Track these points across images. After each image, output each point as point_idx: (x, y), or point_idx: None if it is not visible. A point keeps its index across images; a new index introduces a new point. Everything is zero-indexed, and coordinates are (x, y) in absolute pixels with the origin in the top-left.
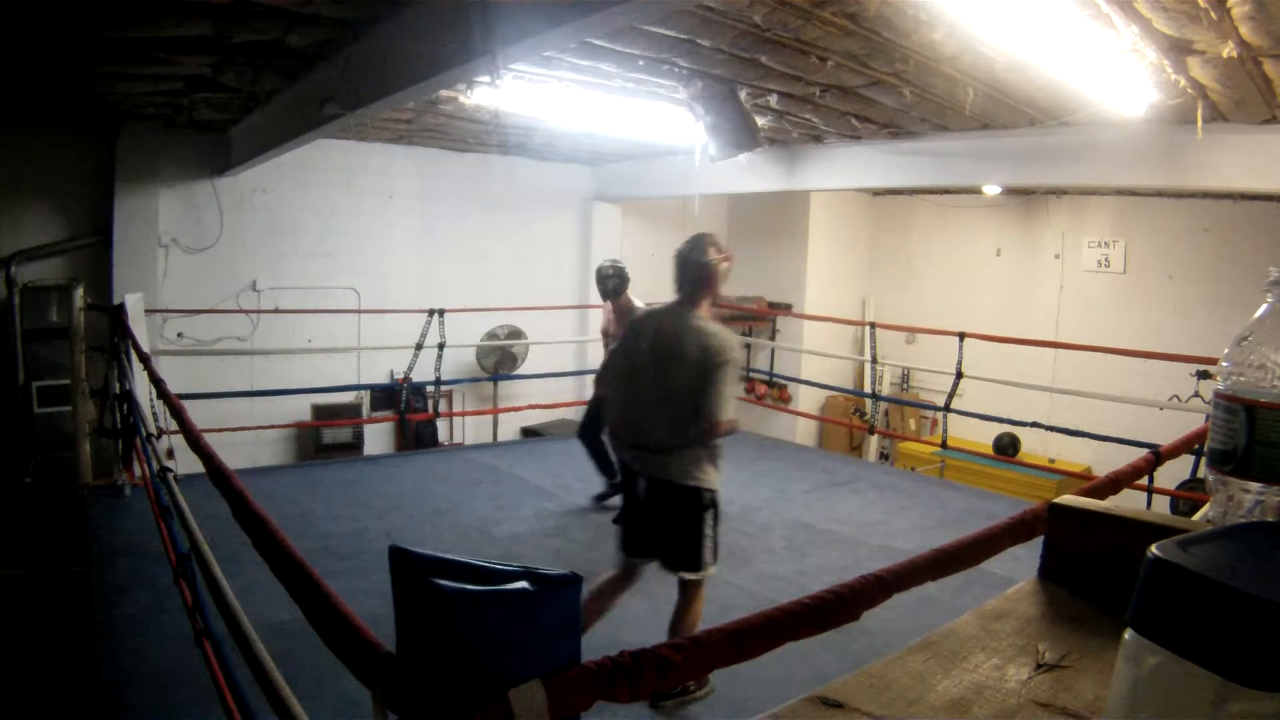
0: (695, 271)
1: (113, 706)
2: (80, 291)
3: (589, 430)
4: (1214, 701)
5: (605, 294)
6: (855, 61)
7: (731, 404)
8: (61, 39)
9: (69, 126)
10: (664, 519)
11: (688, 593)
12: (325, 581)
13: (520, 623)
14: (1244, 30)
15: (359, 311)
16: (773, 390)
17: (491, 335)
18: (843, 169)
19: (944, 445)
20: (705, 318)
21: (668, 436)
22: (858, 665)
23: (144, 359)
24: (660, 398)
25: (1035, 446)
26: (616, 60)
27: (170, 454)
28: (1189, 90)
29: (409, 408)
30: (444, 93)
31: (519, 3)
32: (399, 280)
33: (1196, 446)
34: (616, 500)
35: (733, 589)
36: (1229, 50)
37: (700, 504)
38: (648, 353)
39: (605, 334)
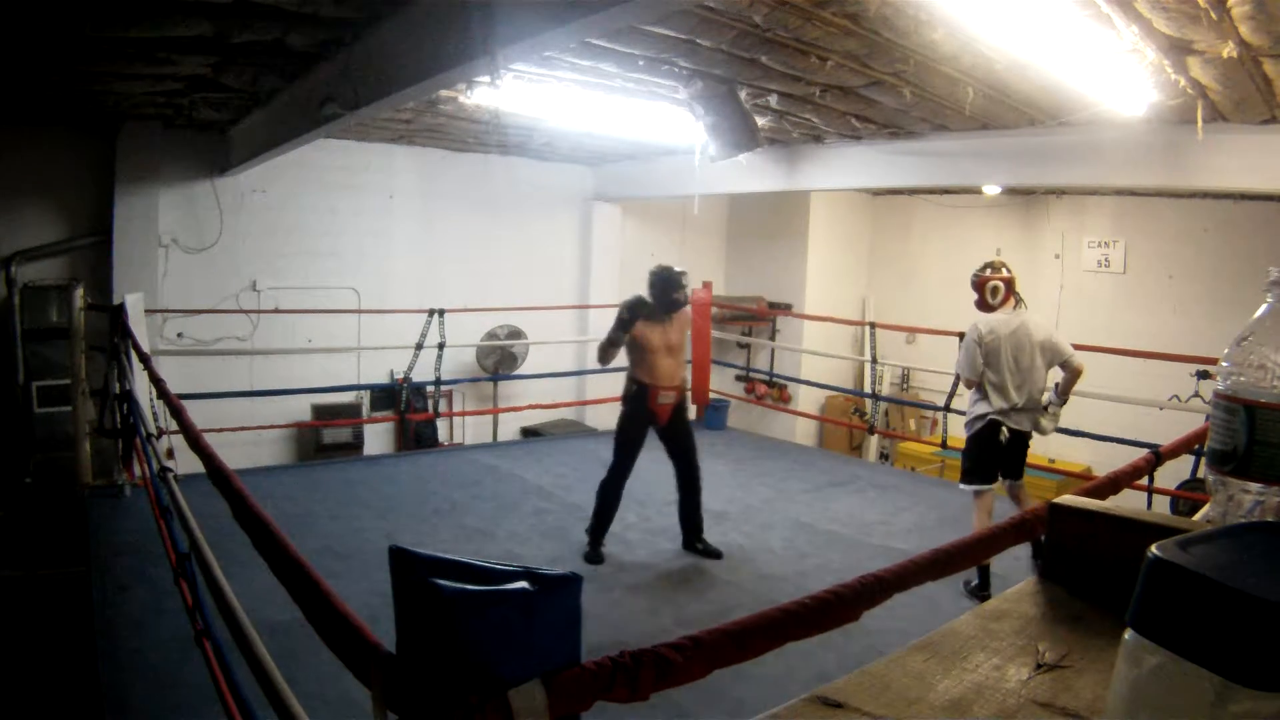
0: None
1: (113, 706)
2: (80, 291)
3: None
4: (1214, 701)
5: (679, 304)
6: (855, 61)
7: None
8: (61, 39)
9: (69, 126)
10: None
11: None
12: (325, 581)
13: (520, 623)
14: (1244, 30)
15: (359, 311)
16: (773, 390)
17: (491, 335)
18: (843, 169)
19: (944, 445)
20: None
21: None
22: (858, 665)
23: (144, 359)
24: None
25: (1035, 446)
26: (616, 60)
27: (170, 454)
28: (1189, 90)
29: (409, 408)
30: (444, 93)
31: (519, 3)
32: (399, 280)
33: (1196, 446)
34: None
35: (733, 589)
36: (1229, 50)
37: None
38: None
39: (649, 347)
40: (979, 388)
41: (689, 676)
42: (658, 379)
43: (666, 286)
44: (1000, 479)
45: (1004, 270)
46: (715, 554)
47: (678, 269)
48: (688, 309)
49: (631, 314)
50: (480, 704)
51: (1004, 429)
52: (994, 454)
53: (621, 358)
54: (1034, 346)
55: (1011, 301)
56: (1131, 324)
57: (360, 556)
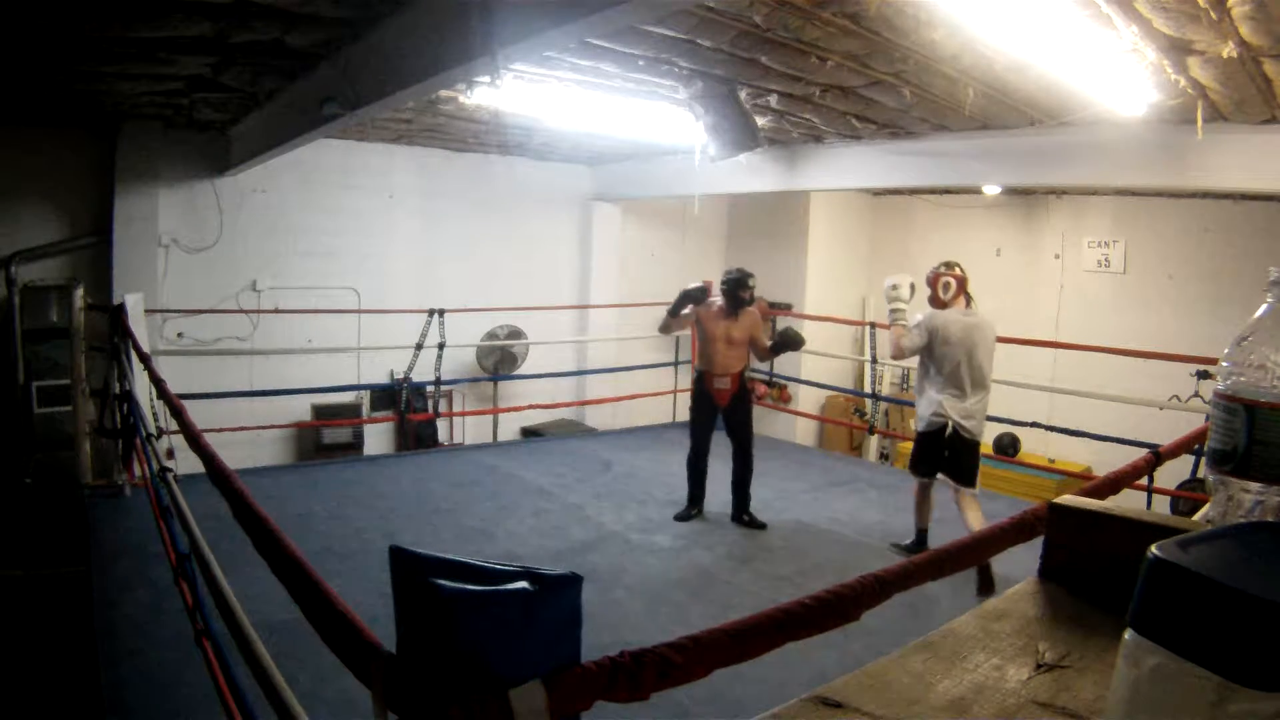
0: None
1: (113, 706)
2: (80, 291)
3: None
4: (1214, 702)
5: (743, 302)
6: (855, 61)
7: None
8: (62, 39)
9: (69, 126)
10: None
11: None
12: (325, 581)
13: (520, 623)
14: (1244, 30)
15: (359, 311)
16: (773, 390)
17: (491, 335)
18: (843, 169)
19: None
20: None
21: None
22: (858, 665)
23: (144, 359)
24: None
25: (1035, 446)
26: (616, 60)
27: (170, 454)
28: (1189, 90)
29: (409, 408)
30: (444, 93)
31: (519, 3)
32: (399, 280)
33: (1196, 446)
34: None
35: (733, 589)
36: (1229, 50)
37: None
38: None
39: (710, 335)
40: (927, 384)
41: (689, 676)
42: (712, 366)
43: (735, 287)
44: (946, 481)
45: (957, 269)
46: (759, 525)
47: (747, 273)
48: (755, 311)
49: (682, 300)
50: (480, 704)
51: (948, 428)
52: (938, 453)
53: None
54: (989, 348)
55: (963, 301)
56: (1131, 324)
57: (360, 556)
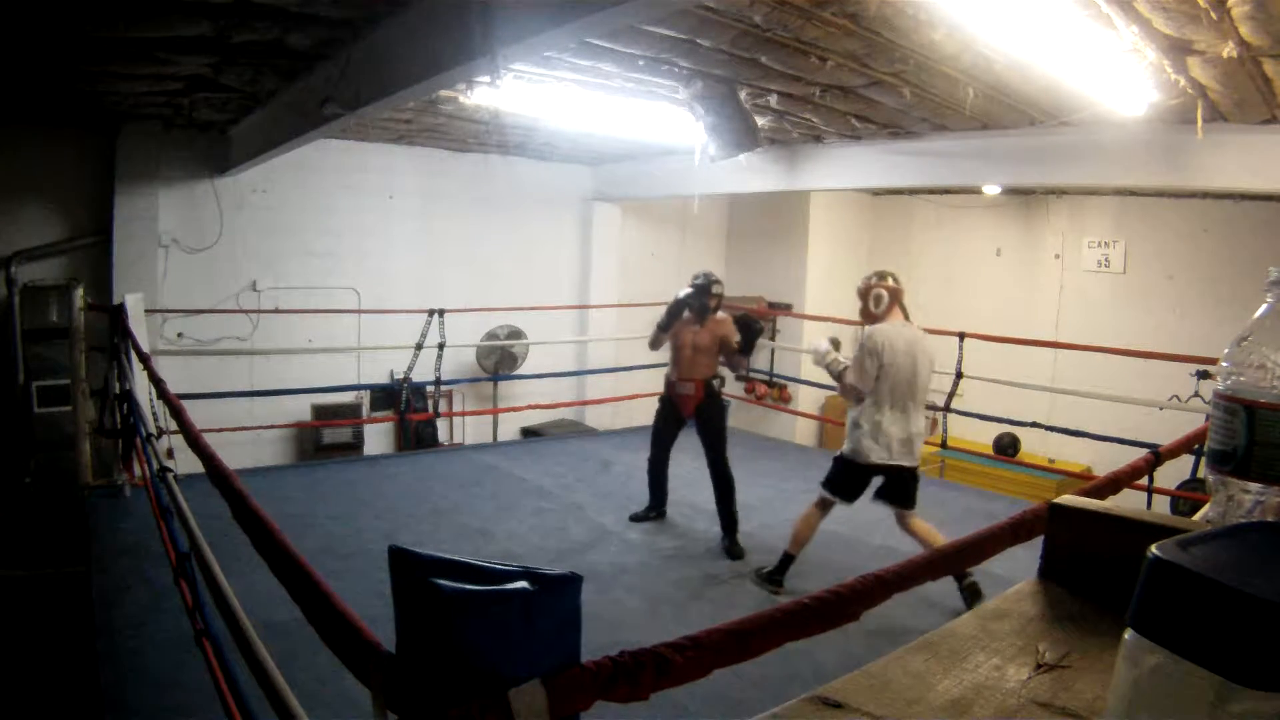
0: None
1: (112, 706)
2: (80, 291)
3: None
4: (1214, 701)
5: (707, 309)
6: (855, 61)
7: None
8: (62, 39)
9: (69, 126)
10: None
11: None
12: (325, 581)
13: (520, 623)
14: (1244, 30)
15: (359, 311)
16: (773, 390)
17: (491, 335)
18: (843, 169)
19: (944, 445)
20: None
21: None
22: (858, 665)
23: (144, 359)
24: None
25: (1035, 446)
26: (616, 60)
27: (170, 454)
28: (1189, 90)
29: (409, 408)
30: (444, 93)
31: (519, 3)
32: (399, 280)
33: (1196, 446)
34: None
35: (733, 589)
36: (1229, 50)
37: None
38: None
39: (677, 343)
40: (868, 406)
41: (689, 676)
42: (677, 372)
43: (699, 294)
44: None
45: (890, 280)
46: (736, 555)
47: (713, 279)
48: (725, 319)
49: (676, 308)
50: (480, 704)
51: (889, 463)
52: (865, 482)
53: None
54: (931, 365)
55: (898, 313)
56: (1131, 324)
57: (360, 556)
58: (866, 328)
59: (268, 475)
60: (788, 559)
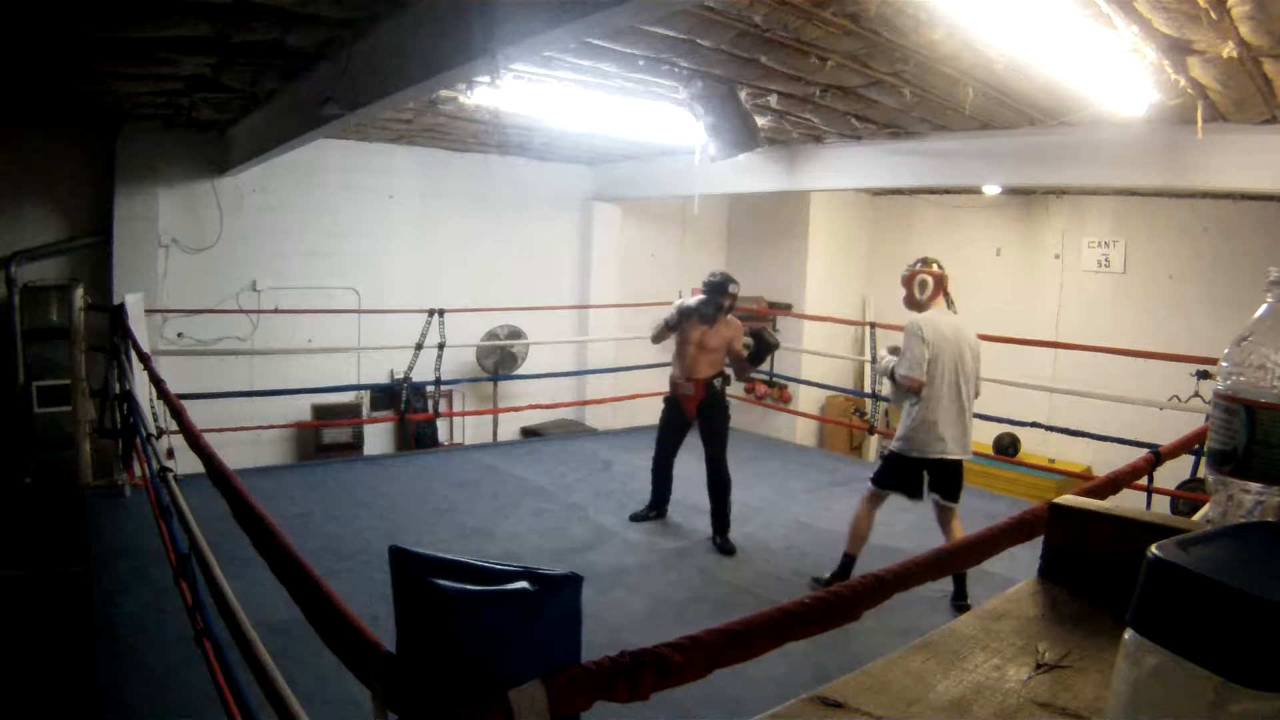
0: None
1: (112, 706)
2: (80, 291)
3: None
4: (1214, 701)
5: (726, 309)
6: (855, 61)
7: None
8: (62, 38)
9: (69, 126)
10: None
11: None
12: (325, 581)
13: (520, 623)
14: (1244, 30)
15: (359, 311)
16: (773, 390)
17: (491, 335)
18: (843, 169)
19: None
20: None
21: None
22: (858, 665)
23: (144, 359)
24: None
25: (1035, 446)
26: (616, 60)
27: (170, 454)
28: (1189, 90)
29: (409, 408)
30: (444, 93)
31: (519, 3)
32: (399, 280)
33: (1196, 446)
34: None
35: (733, 589)
36: (1229, 50)
37: None
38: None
39: (684, 340)
40: (921, 400)
41: (689, 676)
42: (681, 371)
43: (714, 292)
44: (930, 496)
45: (934, 266)
46: (728, 551)
47: (729, 279)
48: (735, 322)
49: (684, 315)
50: (480, 704)
51: (943, 456)
52: (919, 476)
53: None
54: (976, 353)
55: (941, 301)
56: (1131, 324)
57: (360, 556)
58: (911, 315)
59: (268, 475)
60: (849, 560)
